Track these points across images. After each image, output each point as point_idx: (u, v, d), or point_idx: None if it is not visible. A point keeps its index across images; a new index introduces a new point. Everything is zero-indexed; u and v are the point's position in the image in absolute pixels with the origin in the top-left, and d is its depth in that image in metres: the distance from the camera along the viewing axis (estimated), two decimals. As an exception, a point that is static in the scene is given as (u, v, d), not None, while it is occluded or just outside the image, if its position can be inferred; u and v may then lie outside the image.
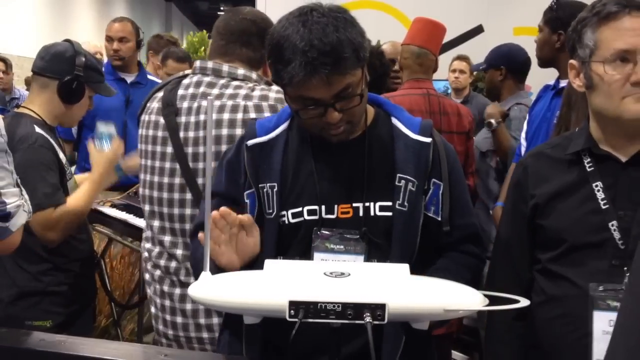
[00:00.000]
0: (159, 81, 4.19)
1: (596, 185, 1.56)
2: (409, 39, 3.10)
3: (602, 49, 1.52)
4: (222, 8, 23.09)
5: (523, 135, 2.98)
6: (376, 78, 2.67)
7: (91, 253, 2.52)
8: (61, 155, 2.33)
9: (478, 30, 5.50)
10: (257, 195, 1.53)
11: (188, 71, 2.18)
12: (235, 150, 1.62)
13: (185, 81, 2.11)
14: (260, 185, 1.53)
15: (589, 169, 1.58)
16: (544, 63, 3.02)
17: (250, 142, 1.57)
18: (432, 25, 3.11)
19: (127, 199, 3.09)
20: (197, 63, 2.13)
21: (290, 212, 1.53)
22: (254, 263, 1.50)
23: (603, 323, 1.48)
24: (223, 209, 1.42)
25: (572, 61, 1.63)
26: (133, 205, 2.99)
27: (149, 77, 4.18)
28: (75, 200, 2.29)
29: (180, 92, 2.08)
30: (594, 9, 1.56)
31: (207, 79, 2.07)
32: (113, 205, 3.02)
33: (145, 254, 2.20)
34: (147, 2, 18.86)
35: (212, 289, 1.28)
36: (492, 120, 3.33)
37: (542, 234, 1.64)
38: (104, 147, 2.50)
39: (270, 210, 1.52)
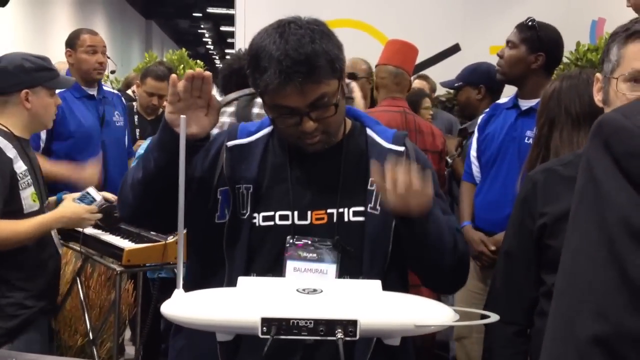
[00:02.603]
0: (114, 91, 4.14)
1: None
2: (385, 59, 3.15)
3: (623, 66, 1.47)
4: (202, 26, 23.13)
5: (473, 153, 2.92)
6: None
7: (39, 267, 2.45)
8: (18, 164, 2.32)
9: (455, 49, 5.56)
10: (232, 196, 1.55)
11: None
12: (215, 146, 1.60)
13: (259, 100, 2.08)
14: (236, 186, 1.56)
15: None
16: (510, 80, 2.87)
17: (231, 142, 1.60)
18: (407, 47, 3.20)
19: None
20: None
21: (261, 214, 1.55)
22: (194, 149, 1.49)
23: None
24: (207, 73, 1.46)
25: (597, 74, 1.57)
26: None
27: (105, 88, 3.98)
28: (18, 225, 2.28)
29: (256, 110, 2.06)
30: (627, 25, 1.50)
31: None
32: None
33: None
34: (128, 20, 18.83)
35: (185, 306, 1.28)
36: (447, 158, 3.47)
37: (550, 254, 1.59)
38: (81, 203, 2.54)
39: (244, 211, 1.55)
